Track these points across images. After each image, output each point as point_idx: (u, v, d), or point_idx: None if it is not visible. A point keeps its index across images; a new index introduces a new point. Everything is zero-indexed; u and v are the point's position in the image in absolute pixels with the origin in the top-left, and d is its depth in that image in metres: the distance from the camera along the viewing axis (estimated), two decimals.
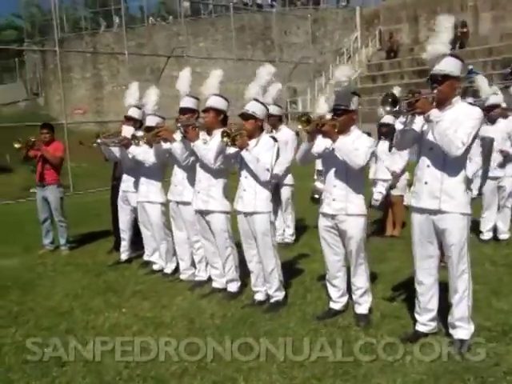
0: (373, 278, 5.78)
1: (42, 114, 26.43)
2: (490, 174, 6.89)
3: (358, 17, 26.28)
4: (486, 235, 7.17)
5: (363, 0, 27.70)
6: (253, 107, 4.90)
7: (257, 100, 4.95)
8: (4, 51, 28.60)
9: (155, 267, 6.56)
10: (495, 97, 6.81)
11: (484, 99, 6.77)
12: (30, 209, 9.60)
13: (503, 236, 7.11)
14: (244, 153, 4.80)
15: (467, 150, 3.80)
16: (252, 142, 4.90)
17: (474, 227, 7.49)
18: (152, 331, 4.65)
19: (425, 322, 4.17)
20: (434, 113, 3.73)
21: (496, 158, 6.80)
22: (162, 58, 27.27)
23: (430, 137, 3.87)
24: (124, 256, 7.07)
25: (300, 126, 4.32)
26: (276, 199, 7.45)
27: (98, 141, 6.28)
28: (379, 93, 20.65)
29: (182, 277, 6.09)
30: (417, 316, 4.23)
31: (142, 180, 6.30)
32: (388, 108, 3.73)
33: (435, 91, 3.87)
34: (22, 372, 4.02)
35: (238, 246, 5.41)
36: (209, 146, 5.18)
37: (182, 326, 4.74)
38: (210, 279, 5.77)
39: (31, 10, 31.80)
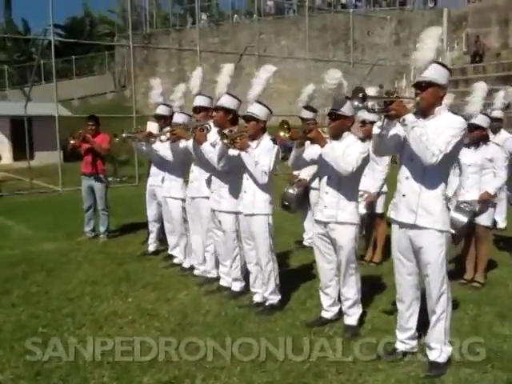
0: (381, 288, 5.69)
1: (127, 106, 27.50)
2: None
3: (445, 18, 25.36)
4: None
5: (452, 1, 26.76)
6: (254, 109, 4.92)
7: (259, 102, 4.96)
8: (96, 44, 30.08)
9: (175, 261, 6.73)
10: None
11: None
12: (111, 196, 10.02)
13: None
14: (243, 155, 4.84)
15: (447, 161, 3.62)
16: (254, 144, 4.93)
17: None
18: (143, 322, 4.82)
19: (403, 339, 4.04)
20: (410, 117, 3.57)
21: None
22: (245, 56, 27.63)
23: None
24: (151, 248, 7.33)
25: (282, 133, 4.28)
26: (306, 202, 7.45)
27: (123, 135, 6.54)
28: (460, 98, 19.83)
29: (196, 272, 6.22)
30: (397, 333, 4.10)
31: (166, 176, 6.50)
32: (356, 103, 3.62)
33: (417, 98, 3.73)
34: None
35: None
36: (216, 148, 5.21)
37: (173, 321, 4.87)
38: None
39: (125, 5, 33.14)
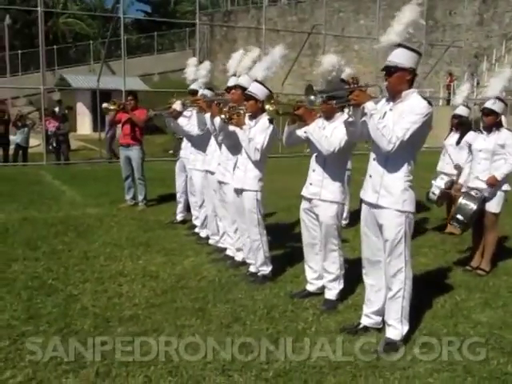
0: None
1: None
2: None
3: None
4: None
5: None
6: (253, 88, 5.11)
7: (258, 81, 5.14)
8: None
9: (196, 230, 7.08)
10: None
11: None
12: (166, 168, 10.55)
13: None
14: (237, 131, 5.08)
15: (408, 146, 3.67)
16: (252, 123, 5.14)
17: None
18: (141, 281, 5.23)
19: (368, 313, 4.17)
20: (369, 105, 3.66)
21: None
22: (321, 35, 27.43)
23: None
24: (179, 217, 7.77)
25: (267, 106, 4.46)
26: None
27: (150, 113, 6.97)
28: None
29: (210, 241, 6.54)
30: (364, 307, 4.23)
31: (192, 149, 6.85)
32: (312, 97, 3.77)
33: (385, 83, 3.80)
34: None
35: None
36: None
37: (169, 282, 5.23)
38: None
39: None
